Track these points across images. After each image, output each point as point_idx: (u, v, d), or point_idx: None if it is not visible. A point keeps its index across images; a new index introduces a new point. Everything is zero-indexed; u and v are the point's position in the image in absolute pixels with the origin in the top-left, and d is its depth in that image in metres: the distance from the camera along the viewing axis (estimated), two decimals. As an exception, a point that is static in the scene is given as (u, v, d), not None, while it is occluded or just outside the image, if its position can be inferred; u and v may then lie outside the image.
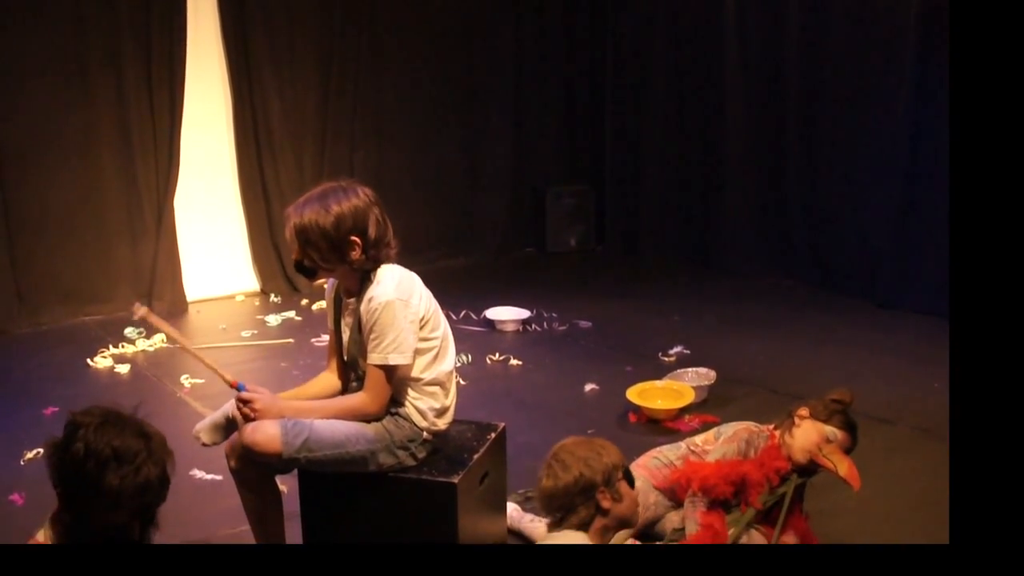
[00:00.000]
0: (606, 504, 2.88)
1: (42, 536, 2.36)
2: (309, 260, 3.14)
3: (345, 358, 3.31)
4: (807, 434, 3.69)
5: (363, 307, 3.11)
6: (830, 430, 3.65)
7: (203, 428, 3.24)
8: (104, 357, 6.41)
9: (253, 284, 8.37)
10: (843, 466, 3.64)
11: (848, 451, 3.69)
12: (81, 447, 2.23)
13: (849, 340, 6.63)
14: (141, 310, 3.27)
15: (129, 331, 6.83)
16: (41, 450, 4.77)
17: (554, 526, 2.93)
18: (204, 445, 3.26)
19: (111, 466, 2.22)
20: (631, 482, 2.99)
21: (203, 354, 3.26)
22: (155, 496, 2.32)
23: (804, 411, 3.72)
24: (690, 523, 3.68)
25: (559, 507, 2.90)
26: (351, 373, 3.34)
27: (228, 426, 3.21)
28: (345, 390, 3.35)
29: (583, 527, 2.87)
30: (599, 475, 2.86)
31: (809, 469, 3.70)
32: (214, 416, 3.25)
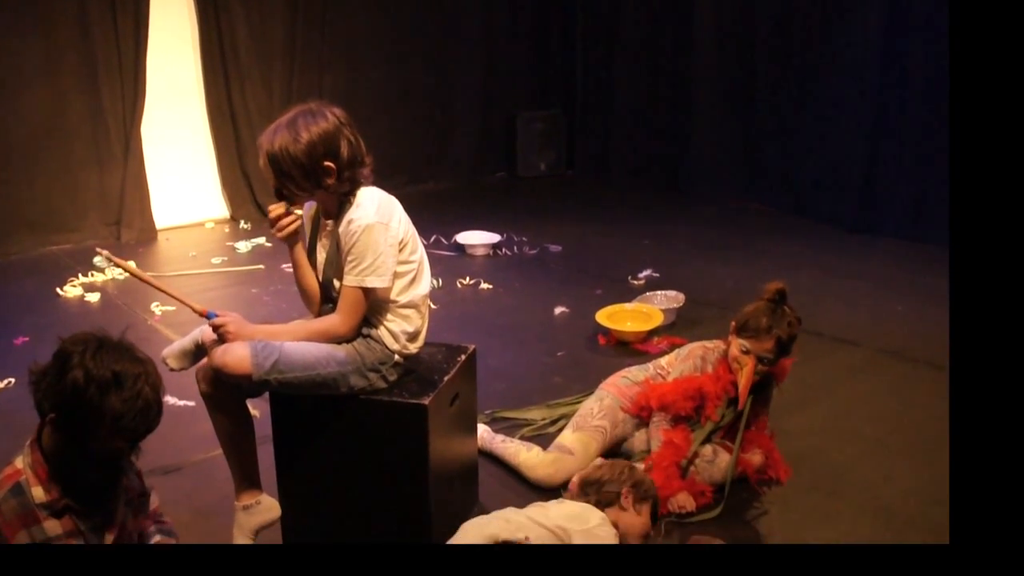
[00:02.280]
0: (625, 504, 3.24)
1: (20, 463, 2.36)
2: (286, 189, 3.13)
3: (320, 279, 3.31)
4: (731, 349, 3.74)
5: (342, 229, 3.09)
6: (740, 342, 3.68)
7: (171, 353, 3.23)
8: (74, 286, 6.39)
9: (222, 211, 8.35)
10: (740, 381, 3.68)
11: (776, 354, 3.66)
12: (80, 373, 2.21)
13: (817, 264, 6.70)
14: (103, 252, 3.26)
15: (98, 260, 6.80)
16: (12, 380, 4.79)
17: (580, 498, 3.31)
18: (172, 370, 3.25)
19: (113, 390, 2.22)
20: (655, 517, 3.34)
21: (170, 286, 3.24)
22: (155, 419, 2.33)
23: (732, 324, 3.75)
24: (655, 442, 3.75)
25: (592, 483, 3.32)
26: (325, 295, 3.33)
27: (197, 352, 3.21)
28: (319, 314, 3.35)
29: (609, 498, 3.26)
30: (631, 481, 3.30)
31: (757, 384, 3.75)
32: (183, 341, 3.24)
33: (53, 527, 2.33)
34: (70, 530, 2.34)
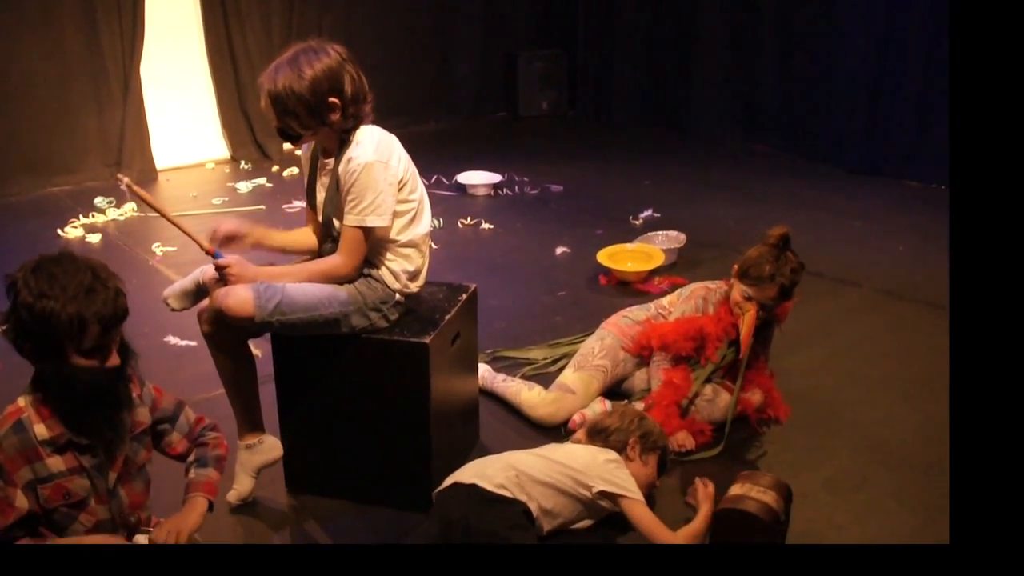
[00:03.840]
0: (631, 454, 3.23)
1: (23, 401, 2.37)
2: (289, 128, 3.11)
3: (320, 219, 3.31)
4: (733, 293, 3.72)
5: (341, 168, 3.08)
6: (742, 288, 3.66)
7: (172, 293, 3.24)
8: (75, 227, 6.39)
9: (223, 151, 8.31)
10: (742, 328, 3.66)
11: (774, 300, 3.64)
12: (26, 293, 2.24)
13: (818, 205, 6.68)
14: (125, 179, 3.23)
15: (99, 201, 6.79)
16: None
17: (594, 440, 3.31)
18: (172, 310, 3.27)
19: (60, 298, 2.23)
20: (663, 467, 3.34)
21: (182, 222, 3.22)
22: (113, 309, 2.30)
23: (735, 267, 3.72)
24: (655, 381, 3.76)
25: (600, 431, 3.30)
26: (326, 233, 3.33)
27: (197, 292, 3.21)
28: (320, 253, 3.35)
29: (616, 445, 3.24)
30: (639, 431, 3.27)
31: (758, 325, 3.74)
32: (183, 282, 3.24)
33: (56, 463, 2.34)
34: (73, 467, 2.36)
